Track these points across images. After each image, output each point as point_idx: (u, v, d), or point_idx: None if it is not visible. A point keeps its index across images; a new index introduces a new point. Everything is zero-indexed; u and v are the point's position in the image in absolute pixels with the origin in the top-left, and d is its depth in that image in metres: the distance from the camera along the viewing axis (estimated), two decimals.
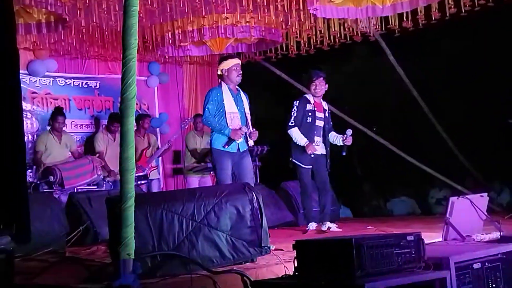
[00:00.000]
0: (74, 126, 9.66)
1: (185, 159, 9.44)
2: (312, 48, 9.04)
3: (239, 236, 4.05)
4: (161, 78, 10.56)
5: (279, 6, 7.59)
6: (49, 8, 7.23)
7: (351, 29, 8.65)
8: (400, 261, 3.10)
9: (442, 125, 8.70)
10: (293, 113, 6.65)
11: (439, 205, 8.30)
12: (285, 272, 3.69)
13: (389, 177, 9.12)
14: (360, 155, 7.70)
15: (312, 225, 6.63)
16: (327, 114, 6.88)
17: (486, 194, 4.64)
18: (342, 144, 6.71)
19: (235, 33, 8.50)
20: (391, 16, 8.00)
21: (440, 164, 8.50)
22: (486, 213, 4.58)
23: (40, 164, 7.85)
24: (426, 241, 3.34)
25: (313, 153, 6.62)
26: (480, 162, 8.08)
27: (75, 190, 7.42)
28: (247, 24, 8.36)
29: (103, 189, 7.80)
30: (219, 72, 6.13)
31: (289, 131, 6.65)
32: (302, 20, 8.18)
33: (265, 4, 7.57)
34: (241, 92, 6.19)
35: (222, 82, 6.11)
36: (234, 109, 6.03)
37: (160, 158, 9.83)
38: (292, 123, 6.64)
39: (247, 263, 4.06)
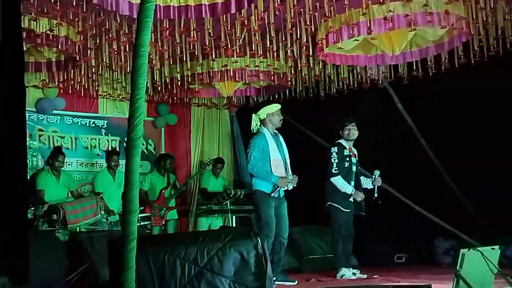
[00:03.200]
0: (80, 164, 9.62)
1: (194, 201, 9.43)
2: (321, 93, 9.05)
3: (243, 283, 3.95)
4: (169, 119, 10.56)
5: (288, 51, 7.62)
6: (60, 47, 7.28)
7: (360, 76, 8.67)
8: None
9: (450, 174, 8.62)
10: (334, 160, 6.75)
11: (447, 255, 8.16)
12: None
13: (395, 225, 8.98)
14: (366, 202, 7.60)
15: (345, 271, 6.57)
16: (357, 158, 6.96)
17: (497, 247, 4.53)
18: (372, 186, 6.75)
19: (244, 76, 8.52)
20: (400, 64, 8.02)
21: (447, 214, 8.38)
22: (497, 267, 4.45)
23: (42, 202, 7.72)
24: None
25: (351, 199, 6.72)
26: (488, 213, 7.95)
27: (77, 230, 7.31)
28: (256, 68, 8.39)
29: (105, 229, 7.70)
30: (261, 117, 6.28)
31: (332, 179, 6.74)
32: (312, 66, 8.20)
33: (274, 49, 7.60)
34: (279, 135, 6.36)
35: (262, 127, 6.26)
36: (278, 155, 6.19)
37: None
38: (336, 170, 6.73)
39: None
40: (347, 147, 6.85)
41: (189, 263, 3.82)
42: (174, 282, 3.74)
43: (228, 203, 8.84)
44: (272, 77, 8.60)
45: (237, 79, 8.57)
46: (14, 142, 3.15)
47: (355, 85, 8.83)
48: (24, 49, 7.34)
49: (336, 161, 6.73)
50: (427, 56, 7.75)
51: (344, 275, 6.60)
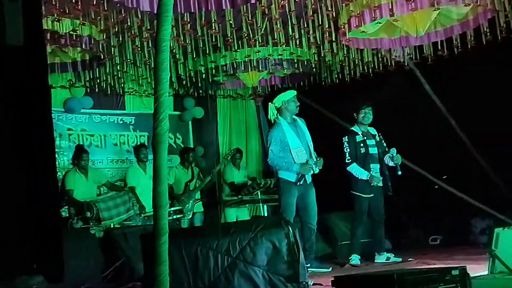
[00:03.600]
0: (110, 161, 9.71)
1: (222, 192, 9.45)
2: (346, 78, 8.98)
3: (276, 272, 3.95)
4: (196, 113, 10.60)
5: (311, 38, 7.56)
6: (84, 47, 7.34)
7: (384, 59, 8.57)
8: None
9: (481, 153, 8.50)
10: (346, 149, 6.73)
11: (483, 235, 8.07)
12: None
13: (429, 207, 8.90)
14: (398, 184, 7.53)
15: (356, 257, 6.54)
16: (378, 138, 6.88)
17: None
18: (393, 164, 6.69)
19: (267, 66, 8.50)
20: (425, 44, 7.91)
21: (481, 193, 8.26)
22: None
23: (72, 201, 7.80)
24: (470, 275, 3.19)
25: (372, 185, 6.66)
26: None
27: (111, 226, 7.40)
28: (280, 56, 8.36)
29: (140, 224, 7.77)
30: (277, 105, 6.22)
31: (348, 168, 6.73)
32: (335, 51, 8.13)
33: (297, 36, 7.57)
34: (298, 120, 6.28)
35: (279, 116, 6.21)
36: (297, 143, 6.15)
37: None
38: (349, 159, 6.71)
39: None
40: (360, 132, 6.78)
41: (222, 254, 3.83)
42: (207, 273, 3.76)
43: (259, 193, 8.86)
44: (296, 64, 8.56)
45: (260, 68, 8.56)
46: (42, 142, 3.19)
47: (380, 68, 8.73)
48: (49, 50, 7.46)
49: (348, 150, 6.71)
50: (452, 35, 7.62)
51: (355, 261, 6.57)
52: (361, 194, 6.70)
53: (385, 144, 6.91)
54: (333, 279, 3.17)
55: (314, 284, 4.30)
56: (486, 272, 4.24)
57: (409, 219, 9.40)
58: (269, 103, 6.41)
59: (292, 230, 4.07)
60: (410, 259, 6.56)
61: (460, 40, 7.65)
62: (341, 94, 9.29)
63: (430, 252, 7.45)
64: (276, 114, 6.27)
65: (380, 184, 6.72)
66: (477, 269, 4.34)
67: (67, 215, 7.79)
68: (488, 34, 7.27)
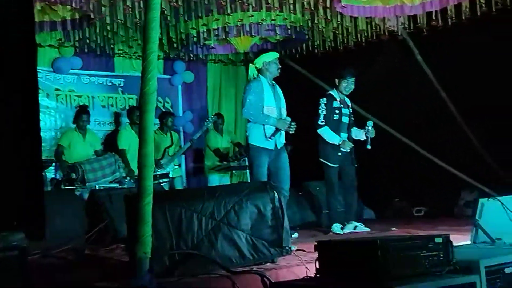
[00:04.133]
0: (97, 123, 9.64)
1: (206, 158, 9.42)
2: (338, 46, 8.91)
3: (260, 236, 3.95)
4: (185, 77, 10.51)
5: (305, 3, 7.46)
6: (74, 5, 7.21)
7: (378, 28, 8.50)
8: (428, 264, 2.95)
9: (470, 126, 8.50)
10: (322, 111, 6.56)
11: (468, 208, 8.09)
12: (307, 274, 3.58)
13: (414, 179, 8.92)
14: (385, 155, 7.52)
15: (337, 227, 6.52)
16: (350, 109, 6.81)
17: None
18: (365, 138, 6.62)
19: (260, 31, 8.41)
20: (419, 14, 7.84)
21: (468, 167, 8.29)
22: None
23: (59, 158, 7.81)
24: (454, 244, 3.20)
25: (340, 152, 6.53)
26: (510, 165, 7.86)
27: (97, 188, 7.37)
28: (273, 22, 8.26)
29: (125, 187, 7.75)
30: (258, 65, 6.07)
31: (319, 130, 6.56)
32: (329, 18, 8.04)
33: (291, 1, 7.45)
34: (276, 86, 6.16)
35: (259, 75, 6.06)
36: (272, 103, 5.99)
37: (183, 156, 9.77)
38: (322, 121, 6.55)
39: (267, 264, 3.95)
40: (338, 99, 6.64)
41: (206, 217, 3.81)
42: (191, 236, 3.74)
43: (247, 159, 8.83)
44: (289, 31, 8.47)
45: (253, 34, 8.46)
46: (26, 100, 3.13)
47: (374, 37, 8.66)
48: (39, 8, 7.33)
49: (324, 112, 6.52)
50: (447, 6, 7.54)
51: (337, 230, 6.46)
52: (328, 163, 6.53)
53: (353, 118, 6.81)
54: (315, 243, 3.16)
55: (297, 250, 4.29)
56: (469, 242, 4.26)
57: (394, 190, 9.43)
58: (250, 64, 6.23)
59: (278, 195, 4.06)
60: (393, 228, 6.57)
61: (455, 11, 7.58)
62: (332, 62, 9.22)
63: (414, 222, 7.50)
64: (257, 75, 6.12)
65: (349, 149, 6.55)
66: (460, 239, 4.36)
67: (54, 175, 7.79)
68: (483, 5, 7.20)
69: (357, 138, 6.75)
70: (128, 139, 8.49)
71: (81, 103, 9.25)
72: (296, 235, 5.99)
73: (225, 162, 9.15)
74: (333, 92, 6.71)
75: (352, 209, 6.67)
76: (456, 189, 8.56)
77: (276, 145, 5.98)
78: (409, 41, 8.65)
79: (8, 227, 2.88)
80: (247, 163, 8.83)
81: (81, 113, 8.21)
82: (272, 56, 6.09)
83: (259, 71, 6.06)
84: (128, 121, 8.81)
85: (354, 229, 6.52)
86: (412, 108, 8.70)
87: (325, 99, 6.63)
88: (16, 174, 3.01)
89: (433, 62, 8.62)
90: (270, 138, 5.88)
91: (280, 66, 6.11)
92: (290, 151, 8.64)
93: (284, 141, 6.11)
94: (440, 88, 8.69)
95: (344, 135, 6.65)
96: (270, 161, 5.97)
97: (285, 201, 6.02)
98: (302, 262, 3.86)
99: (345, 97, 6.76)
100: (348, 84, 6.66)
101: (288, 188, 6.08)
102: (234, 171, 9.47)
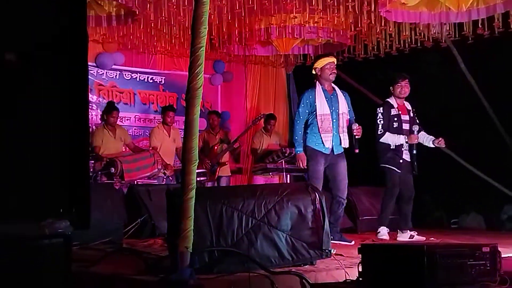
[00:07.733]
0: (138, 120, 9.73)
1: (252, 158, 9.45)
2: (381, 52, 8.82)
3: (300, 237, 3.91)
4: (225, 77, 10.53)
5: (349, 6, 7.41)
6: (119, 1, 7.29)
7: (422, 34, 8.39)
8: (474, 273, 2.90)
9: None
10: (380, 121, 6.45)
11: (510, 223, 7.94)
12: (346, 278, 3.54)
13: (454, 190, 8.77)
14: (424, 166, 7.39)
15: (383, 230, 6.43)
16: (411, 114, 6.64)
17: None
18: (433, 146, 6.52)
19: (302, 33, 8.38)
20: (465, 22, 7.71)
21: (510, 179, 8.13)
22: None
23: (100, 158, 7.83)
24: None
25: (402, 159, 6.43)
26: None
27: (135, 183, 7.43)
28: (315, 24, 8.22)
29: (163, 183, 7.79)
30: (313, 72, 6.07)
31: (381, 140, 6.45)
32: (373, 22, 7.97)
33: (335, 4, 7.41)
34: (338, 92, 6.12)
35: (316, 82, 6.06)
36: (326, 111, 5.96)
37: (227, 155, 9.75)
38: (381, 131, 6.44)
39: (306, 266, 3.91)
40: (395, 106, 6.51)
41: (247, 216, 3.79)
42: (231, 233, 3.73)
43: (283, 162, 8.78)
44: (332, 34, 8.41)
45: (295, 35, 8.43)
46: (76, 95, 3.14)
47: (417, 44, 8.55)
48: None
49: (382, 122, 6.41)
50: (495, 14, 7.41)
51: (384, 235, 6.42)
52: (393, 168, 6.43)
53: (417, 122, 6.67)
54: (359, 246, 3.11)
55: (336, 254, 4.25)
56: None
57: (431, 201, 9.30)
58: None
59: (319, 197, 4.02)
60: (432, 238, 6.46)
61: (502, 19, 7.44)
62: (375, 68, 9.14)
63: (452, 234, 7.36)
64: (314, 81, 6.11)
65: (408, 159, 6.49)
66: (507, 252, 4.25)
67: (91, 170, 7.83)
68: None
69: (424, 144, 6.60)
70: (159, 138, 8.54)
71: (122, 99, 9.33)
72: (352, 242, 5.90)
73: (261, 164, 9.09)
74: (390, 99, 6.56)
75: (407, 218, 6.56)
76: (498, 203, 8.39)
77: (332, 150, 5.97)
78: (453, 49, 8.53)
79: (54, 214, 2.90)
80: (284, 166, 8.79)
81: (112, 110, 8.19)
82: (323, 62, 6.03)
83: (315, 77, 6.07)
84: (162, 120, 8.83)
85: (410, 238, 6.46)
86: (453, 117, 8.56)
87: (381, 108, 6.51)
88: (64, 163, 3.04)
89: (477, 71, 8.48)
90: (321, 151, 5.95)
91: (335, 71, 6.03)
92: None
93: (343, 148, 6.05)
94: (483, 97, 8.55)
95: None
96: (328, 165, 5.98)
97: (341, 208, 6.03)
98: (341, 266, 3.81)
99: (404, 102, 6.61)
100: (402, 88, 6.50)
101: (345, 196, 6.07)
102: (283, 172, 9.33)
